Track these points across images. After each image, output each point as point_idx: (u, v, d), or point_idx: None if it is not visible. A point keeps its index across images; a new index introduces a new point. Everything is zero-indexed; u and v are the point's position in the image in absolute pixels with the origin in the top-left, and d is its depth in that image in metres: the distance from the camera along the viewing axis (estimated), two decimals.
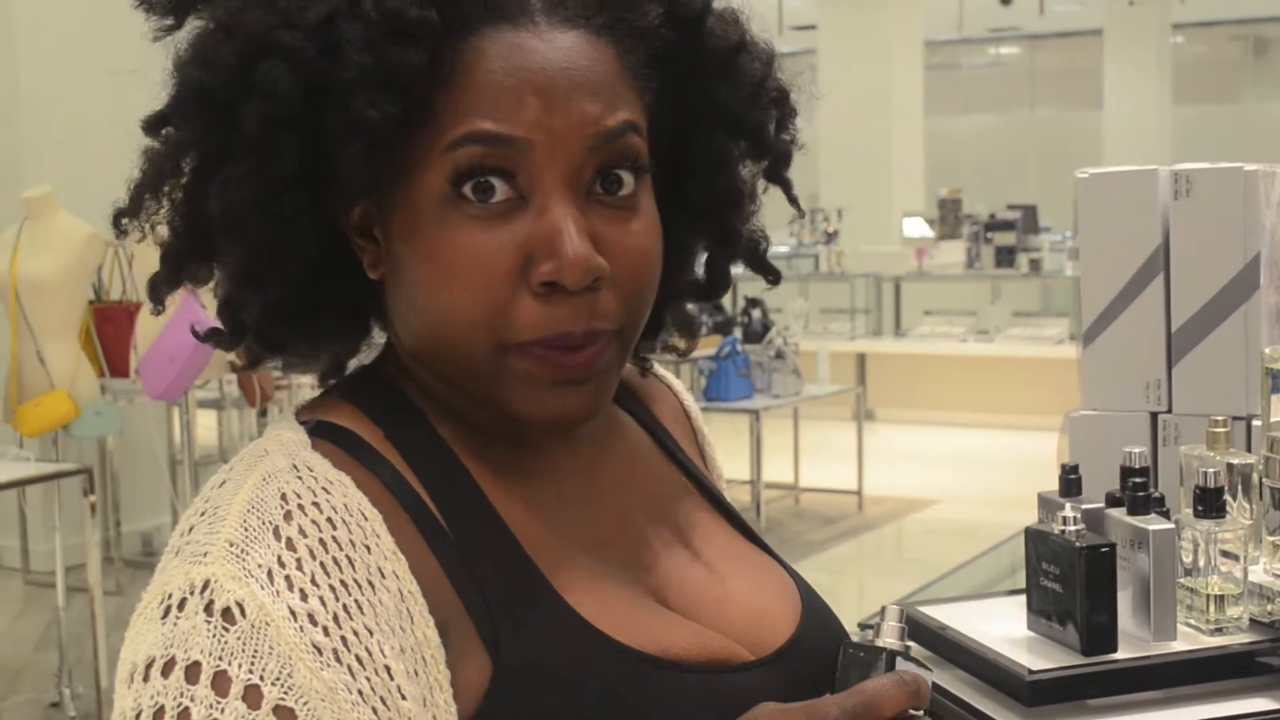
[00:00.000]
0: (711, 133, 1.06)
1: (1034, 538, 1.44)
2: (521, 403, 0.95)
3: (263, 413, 6.27)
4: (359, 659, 0.86)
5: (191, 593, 0.86)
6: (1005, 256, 10.77)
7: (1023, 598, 1.48)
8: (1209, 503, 1.45)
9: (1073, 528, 1.39)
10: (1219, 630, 1.44)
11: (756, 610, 1.06)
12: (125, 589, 6.62)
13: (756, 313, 8.47)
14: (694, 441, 1.23)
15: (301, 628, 0.85)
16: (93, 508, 4.85)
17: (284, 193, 0.92)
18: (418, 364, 1.00)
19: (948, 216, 11.93)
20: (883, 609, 1.01)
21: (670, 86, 1.01)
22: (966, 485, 9.01)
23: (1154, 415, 1.80)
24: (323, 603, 0.86)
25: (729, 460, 8.83)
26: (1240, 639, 1.43)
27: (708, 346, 7.65)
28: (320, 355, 1.06)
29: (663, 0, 1.00)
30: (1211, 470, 1.44)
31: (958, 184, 12.87)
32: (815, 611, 1.11)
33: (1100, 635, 1.38)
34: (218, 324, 1.01)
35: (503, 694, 0.90)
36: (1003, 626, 1.46)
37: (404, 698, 0.86)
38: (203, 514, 0.91)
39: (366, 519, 0.90)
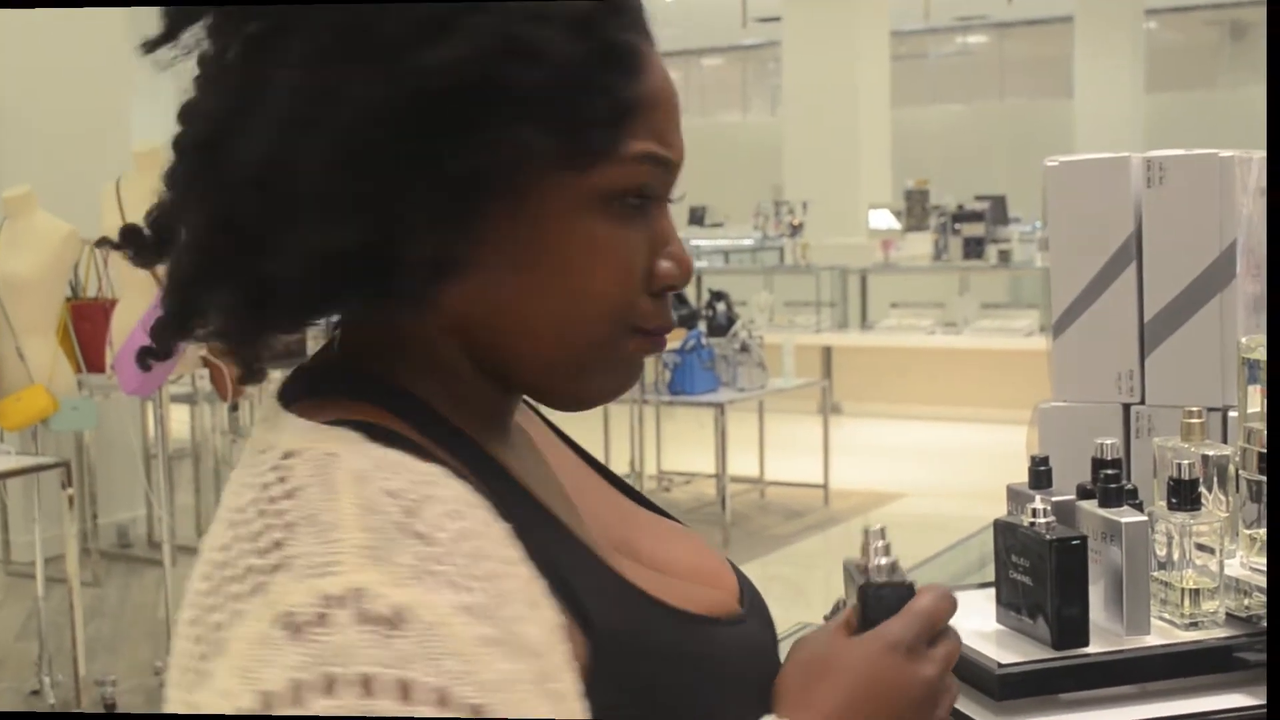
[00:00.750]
0: None
1: (1003, 530, 1.44)
2: (609, 376, 1.02)
3: (234, 407, 6.34)
4: (522, 647, 0.85)
5: (330, 606, 0.82)
6: (974, 248, 10.77)
7: (992, 591, 1.48)
8: (1183, 495, 1.44)
9: (1043, 520, 1.39)
10: (1194, 624, 1.44)
11: (710, 567, 1.12)
12: (102, 580, 6.71)
13: (721, 306, 8.44)
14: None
15: (469, 622, 0.83)
16: (70, 500, 4.90)
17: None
18: (447, 348, 1.00)
19: (914, 208, 11.89)
20: (865, 532, 1.06)
21: None
22: (934, 479, 9.02)
23: (1126, 406, 1.79)
24: (477, 594, 0.84)
25: (695, 454, 8.84)
26: (1216, 633, 1.43)
27: (672, 340, 7.62)
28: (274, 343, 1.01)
29: None
30: (1186, 462, 1.44)
31: (925, 175, 12.85)
32: (733, 564, 1.17)
33: (1072, 628, 1.38)
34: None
35: (604, 667, 0.92)
36: (972, 620, 1.45)
37: (561, 679, 0.87)
38: (288, 525, 0.86)
39: (477, 508, 0.89)
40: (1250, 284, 1.73)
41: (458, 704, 0.80)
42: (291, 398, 0.99)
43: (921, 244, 11.53)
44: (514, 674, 0.83)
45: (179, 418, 7.34)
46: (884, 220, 12.15)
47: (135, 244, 1.01)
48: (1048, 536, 1.38)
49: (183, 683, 0.86)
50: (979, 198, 11.47)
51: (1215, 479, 1.51)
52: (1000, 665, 1.35)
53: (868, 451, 9.92)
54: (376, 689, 0.79)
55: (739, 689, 1.00)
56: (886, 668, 0.99)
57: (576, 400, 1.03)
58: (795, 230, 11.98)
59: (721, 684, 0.99)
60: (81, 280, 6.51)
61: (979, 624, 1.46)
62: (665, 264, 1.01)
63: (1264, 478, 1.45)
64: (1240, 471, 1.50)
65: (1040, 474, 1.57)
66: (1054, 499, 1.45)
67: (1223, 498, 1.51)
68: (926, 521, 7.69)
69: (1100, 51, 16.80)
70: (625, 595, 0.97)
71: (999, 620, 1.46)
